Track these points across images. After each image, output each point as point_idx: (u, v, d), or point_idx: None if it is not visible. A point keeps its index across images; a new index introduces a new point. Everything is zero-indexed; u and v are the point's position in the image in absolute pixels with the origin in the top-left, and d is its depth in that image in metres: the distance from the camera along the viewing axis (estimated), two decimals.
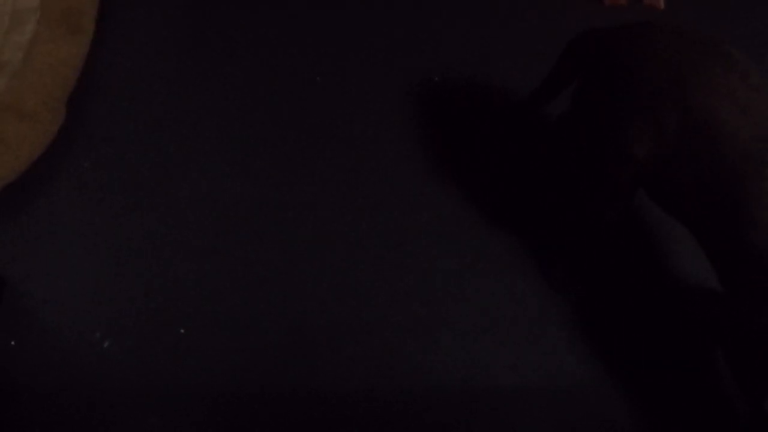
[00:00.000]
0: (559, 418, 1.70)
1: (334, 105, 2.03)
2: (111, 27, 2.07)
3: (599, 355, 1.75)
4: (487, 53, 2.13)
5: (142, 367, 1.71)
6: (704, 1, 2.27)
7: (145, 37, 2.10)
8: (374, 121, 2.01)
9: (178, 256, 1.81)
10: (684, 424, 1.69)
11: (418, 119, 2.01)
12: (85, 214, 1.84)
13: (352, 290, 1.79)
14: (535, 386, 1.71)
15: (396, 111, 2.02)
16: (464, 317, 1.78)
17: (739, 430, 1.67)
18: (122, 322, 1.74)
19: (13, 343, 1.73)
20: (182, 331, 1.74)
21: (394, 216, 1.88)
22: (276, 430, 1.67)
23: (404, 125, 2.01)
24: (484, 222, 1.88)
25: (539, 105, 1.87)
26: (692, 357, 1.76)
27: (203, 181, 1.90)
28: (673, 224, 1.60)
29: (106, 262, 1.80)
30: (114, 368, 1.71)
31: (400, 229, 1.87)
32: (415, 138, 1.99)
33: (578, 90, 1.64)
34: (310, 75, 2.07)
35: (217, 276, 1.80)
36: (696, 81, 1.42)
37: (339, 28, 2.16)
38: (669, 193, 1.52)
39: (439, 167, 1.95)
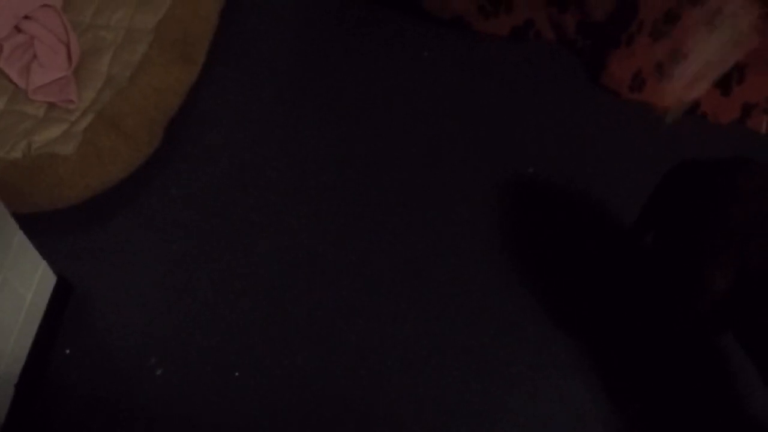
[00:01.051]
0: None
1: (426, 184, 2.03)
2: (221, 59, 2.11)
3: None
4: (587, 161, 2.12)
5: (189, 402, 1.70)
6: None
7: (252, 74, 2.14)
8: (461, 208, 2.00)
9: (243, 301, 1.81)
10: None
11: (509, 211, 2.00)
12: (162, 241, 1.86)
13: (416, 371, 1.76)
14: None
15: (489, 200, 2.02)
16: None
17: None
18: (178, 354, 1.74)
19: (68, 351, 1.73)
20: (237, 374, 1.73)
21: (467, 311, 1.85)
22: None
23: (495, 215, 1.99)
24: (555, 329, 1.84)
25: (639, 236, 1.85)
26: None
27: (279, 234, 1.91)
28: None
29: (172, 292, 1.81)
30: (162, 397, 1.70)
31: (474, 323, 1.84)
32: (502, 229, 1.97)
33: (669, 219, 1.63)
34: (407, 146, 2.07)
35: (277, 327, 1.79)
36: None
37: (440, 111, 2.17)
38: (750, 336, 1.49)
39: (521, 265, 1.92)
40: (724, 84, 2.17)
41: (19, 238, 1.63)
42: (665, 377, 1.78)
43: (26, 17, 1.95)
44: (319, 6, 2.34)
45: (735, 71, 2.14)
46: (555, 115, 2.17)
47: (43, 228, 1.78)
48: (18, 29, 1.95)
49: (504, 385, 1.74)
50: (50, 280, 1.76)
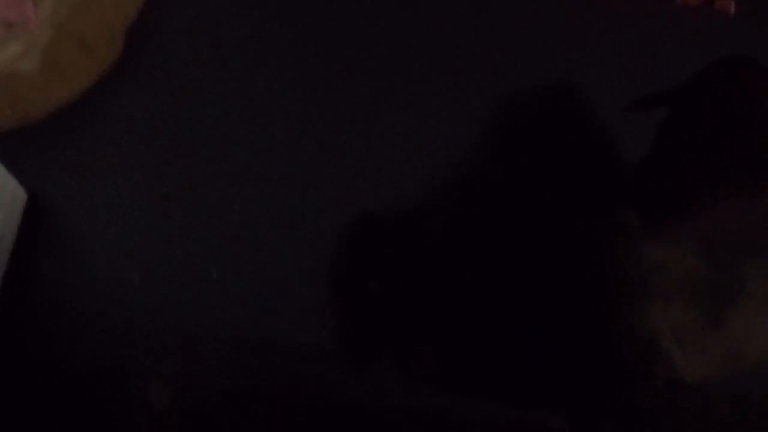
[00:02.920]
0: None
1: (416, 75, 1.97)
2: None
3: None
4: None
5: (169, 307, 1.68)
6: None
7: None
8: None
9: (220, 202, 1.77)
10: None
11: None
12: (131, 150, 1.82)
13: None
14: None
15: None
16: None
17: None
18: (156, 259, 1.72)
19: (44, 268, 1.71)
20: (215, 274, 1.70)
21: None
22: (298, 383, 1.61)
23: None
24: None
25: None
26: None
27: (255, 130, 1.86)
28: None
29: (146, 201, 1.78)
30: (141, 304, 1.68)
31: None
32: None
33: None
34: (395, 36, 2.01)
35: (257, 224, 1.75)
36: None
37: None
38: None
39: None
40: None
41: None
42: None
43: None
44: None
45: None
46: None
47: (10, 146, 1.75)
48: None
49: None
50: (21, 198, 1.72)
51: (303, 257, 1.74)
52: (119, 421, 1.56)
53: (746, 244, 1.22)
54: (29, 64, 1.77)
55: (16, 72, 1.76)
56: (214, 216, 1.77)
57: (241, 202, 1.79)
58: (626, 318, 1.22)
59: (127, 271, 1.70)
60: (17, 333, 1.65)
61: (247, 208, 1.78)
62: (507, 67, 1.97)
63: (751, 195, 1.24)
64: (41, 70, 1.77)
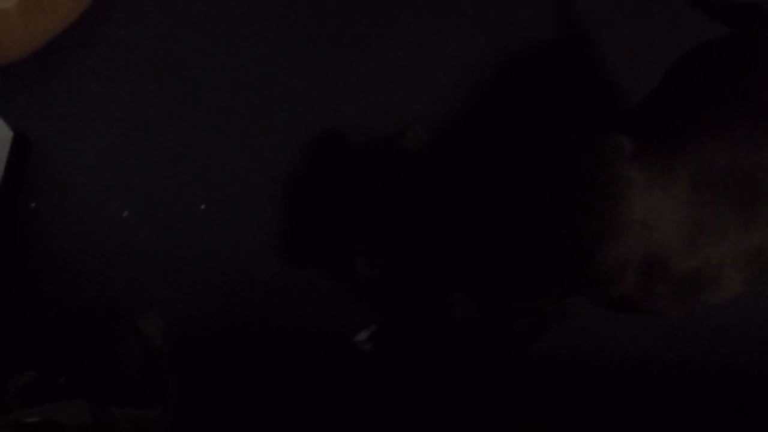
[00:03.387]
0: None
1: None
2: None
3: None
4: None
5: (158, 240, 1.67)
6: None
7: None
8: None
9: (207, 133, 1.76)
10: None
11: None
12: (116, 83, 1.80)
13: None
14: None
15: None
16: None
17: None
18: (144, 193, 1.71)
19: (33, 205, 1.70)
20: (203, 207, 1.68)
21: None
22: (285, 315, 1.61)
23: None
24: None
25: None
26: None
27: (243, 62, 1.83)
28: None
29: (133, 133, 1.76)
30: (130, 239, 1.68)
31: None
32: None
33: None
34: None
35: (242, 154, 1.74)
36: None
37: None
38: None
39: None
40: None
41: None
42: None
43: None
44: None
45: None
46: None
47: None
48: None
49: None
50: (7, 135, 1.71)
51: (291, 191, 1.73)
52: (111, 354, 1.57)
53: (729, 187, 1.21)
54: (8, 1, 1.73)
55: None
56: (202, 149, 1.75)
57: (229, 135, 1.77)
58: (600, 235, 1.21)
59: (115, 206, 1.70)
60: (6, 269, 1.65)
61: (234, 141, 1.76)
62: None
63: (742, 144, 1.22)
64: (20, 6, 1.73)
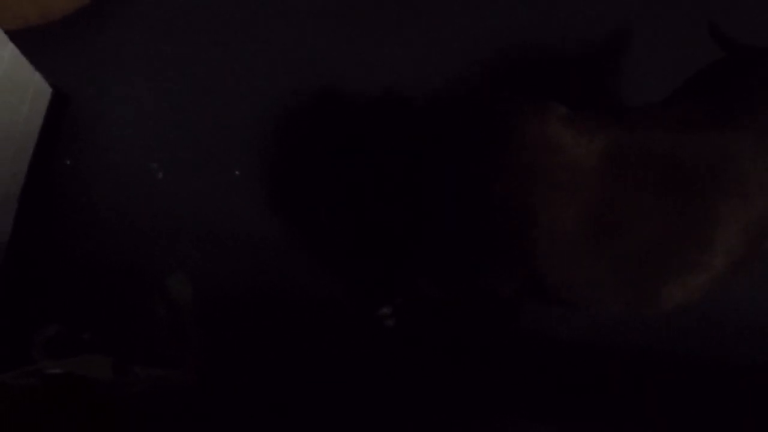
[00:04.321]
0: None
1: None
2: None
3: None
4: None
5: (191, 202, 1.65)
6: None
7: None
8: None
9: (247, 100, 1.73)
10: None
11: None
12: (156, 45, 1.78)
13: None
14: None
15: None
16: None
17: None
18: (179, 156, 1.69)
19: (68, 161, 1.69)
20: (237, 172, 1.66)
21: None
22: (316, 282, 1.58)
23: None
24: None
25: None
26: None
27: (279, 28, 1.80)
28: None
29: (172, 95, 1.74)
30: (164, 199, 1.66)
31: None
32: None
33: None
34: None
35: (281, 122, 1.71)
36: None
37: None
38: None
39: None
40: None
41: (11, 51, 1.57)
42: None
43: None
44: None
45: None
46: None
47: (34, 42, 1.73)
48: None
49: None
50: (45, 92, 1.70)
51: (328, 163, 1.70)
52: (137, 312, 1.56)
53: (651, 171, 1.17)
54: None
55: None
56: (241, 115, 1.73)
57: (269, 104, 1.74)
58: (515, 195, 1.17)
59: (150, 166, 1.68)
60: (41, 223, 1.64)
61: (274, 110, 1.74)
62: None
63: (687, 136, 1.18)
64: None
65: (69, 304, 1.57)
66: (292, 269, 1.61)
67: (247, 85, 1.75)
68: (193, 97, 1.74)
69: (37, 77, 1.67)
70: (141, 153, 1.69)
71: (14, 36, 1.55)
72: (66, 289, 1.58)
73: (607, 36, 1.79)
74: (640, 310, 1.24)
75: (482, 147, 1.23)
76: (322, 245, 1.62)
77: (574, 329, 1.58)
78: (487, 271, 1.28)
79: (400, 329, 1.58)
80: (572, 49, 1.78)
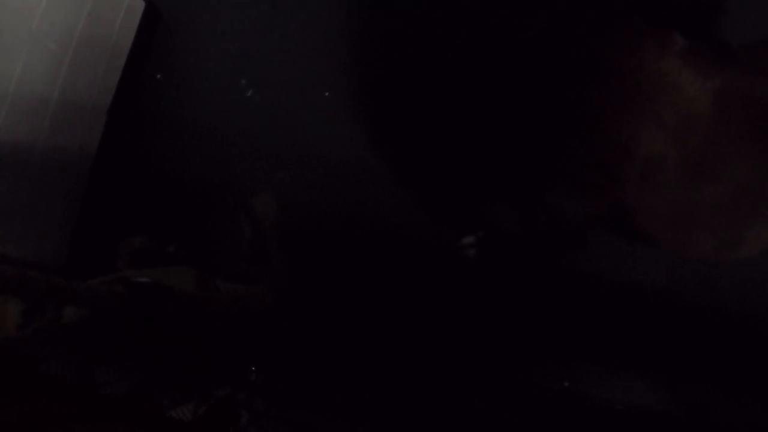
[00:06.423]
0: None
1: None
2: None
3: None
4: None
5: (280, 122, 1.63)
6: None
7: None
8: None
9: (342, 21, 1.67)
10: None
11: None
12: None
13: None
14: None
15: None
16: None
17: None
18: (270, 75, 1.66)
19: (159, 76, 1.69)
20: (327, 94, 1.63)
21: None
22: (392, 209, 1.55)
23: None
24: None
25: None
26: None
27: None
28: None
29: (266, 13, 1.71)
30: (253, 118, 1.64)
31: None
32: None
33: None
34: None
35: (374, 44, 1.66)
36: None
37: None
38: None
39: None
40: None
41: None
42: None
43: None
44: None
45: None
46: None
47: None
48: None
49: None
50: (138, 5, 1.69)
51: (420, 89, 1.64)
52: (222, 229, 1.56)
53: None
54: None
55: None
56: (335, 39, 1.68)
57: (364, 26, 1.69)
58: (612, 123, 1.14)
59: (240, 84, 1.66)
60: (129, 136, 1.65)
61: (369, 33, 1.68)
62: None
63: None
64: None
65: (155, 217, 1.57)
66: (378, 195, 1.57)
67: (341, 7, 1.70)
68: (287, 16, 1.70)
69: None
70: (231, 70, 1.67)
71: None
72: (152, 202, 1.59)
73: None
74: (726, 254, 1.22)
75: (590, 66, 1.19)
76: (410, 172, 1.58)
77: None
78: (569, 198, 1.26)
79: (481, 261, 1.54)
80: None
